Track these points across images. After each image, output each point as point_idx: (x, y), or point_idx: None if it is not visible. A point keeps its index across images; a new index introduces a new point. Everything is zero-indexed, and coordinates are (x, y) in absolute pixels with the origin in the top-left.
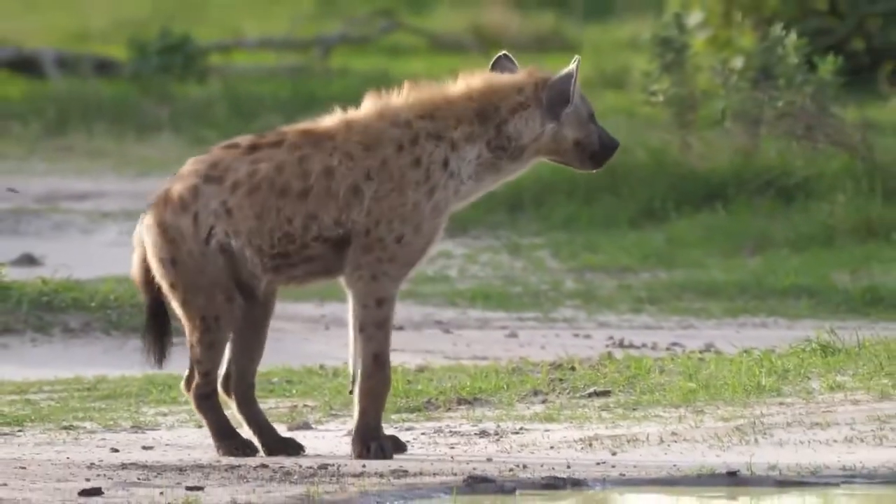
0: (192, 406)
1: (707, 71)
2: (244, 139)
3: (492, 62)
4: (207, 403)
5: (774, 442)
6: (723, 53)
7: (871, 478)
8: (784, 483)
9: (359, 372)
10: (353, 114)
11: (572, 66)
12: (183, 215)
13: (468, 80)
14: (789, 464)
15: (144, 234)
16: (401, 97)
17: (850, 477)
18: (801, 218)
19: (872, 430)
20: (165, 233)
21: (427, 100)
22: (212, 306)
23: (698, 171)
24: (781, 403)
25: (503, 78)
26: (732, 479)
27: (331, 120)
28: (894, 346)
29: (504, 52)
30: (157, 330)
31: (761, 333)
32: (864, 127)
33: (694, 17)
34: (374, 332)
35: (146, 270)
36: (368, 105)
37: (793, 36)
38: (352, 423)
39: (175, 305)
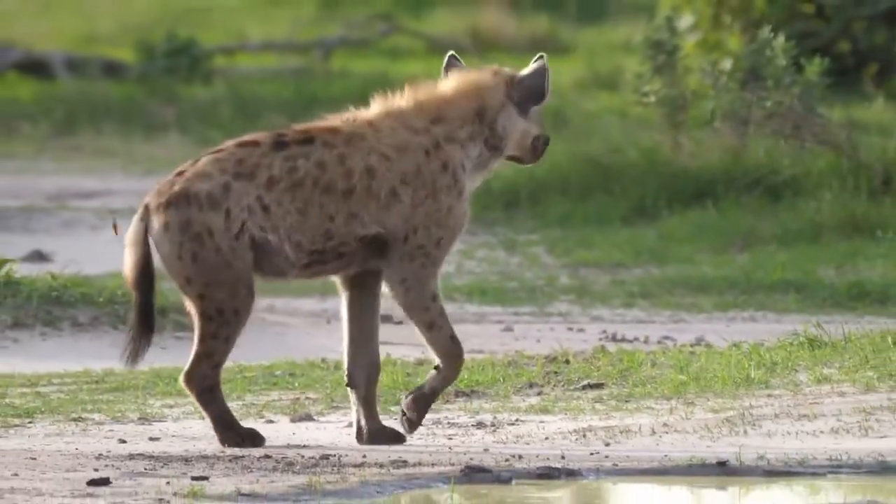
0: (194, 398)
1: (697, 72)
2: (261, 136)
3: (444, 63)
4: (211, 395)
5: (763, 433)
6: (712, 55)
7: (857, 467)
8: (772, 473)
9: (360, 366)
10: (372, 115)
11: (541, 62)
12: (212, 212)
13: (450, 82)
14: (777, 454)
15: (158, 231)
16: (406, 101)
17: (836, 467)
18: (789, 215)
19: (858, 422)
20: (189, 229)
21: (432, 103)
22: (234, 301)
23: (689, 170)
24: (770, 395)
25: (479, 77)
26: (722, 468)
27: (351, 119)
28: (879, 340)
29: (452, 52)
30: (144, 328)
31: (750, 327)
32: (850, 126)
33: (684, 21)
34: (441, 321)
35: (143, 268)
36: (381, 108)
37: (780, 38)
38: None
39: (189, 299)
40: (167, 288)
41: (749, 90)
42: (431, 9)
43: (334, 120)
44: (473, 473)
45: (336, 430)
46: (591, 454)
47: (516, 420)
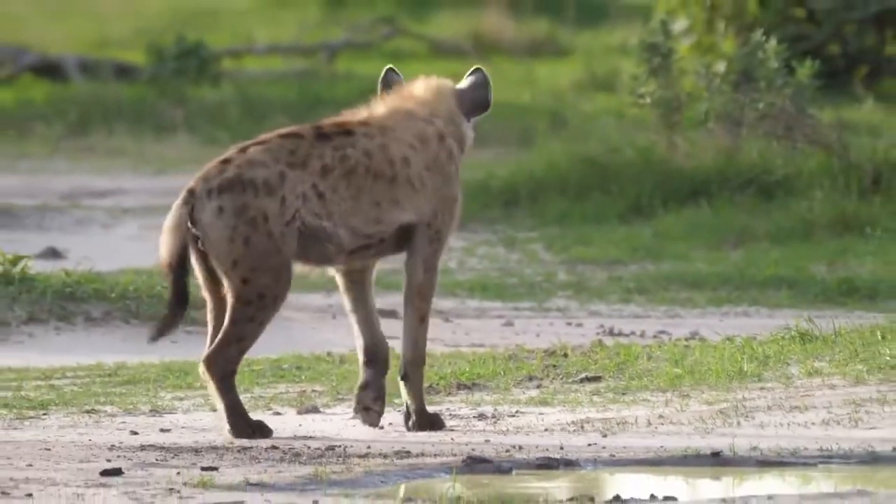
0: (213, 384)
1: (692, 75)
2: (302, 129)
3: (382, 76)
4: (229, 383)
5: (756, 424)
6: (706, 58)
7: (847, 458)
8: (765, 463)
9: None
10: (384, 110)
11: (480, 74)
12: (269, 198)
13: (422, 85)
14: (770, 445)
15: (209, 214)
16: (406, 99)
17: (827, 457)
18: (781, 213)
19: (848, 413)
20: (245, 213)
21: (427, 99)
22: (276, 286)
23: (684, 170)
24: (762, 388)
25: (444, 83)
26: (716, 459)
27: (375, 112)
28: (868, 334)
29: (390, 66)
30: (178, 306)
31: (743, 322)
32: (840, 127)
33: (679, 24)
34: (422, 303)
35: (182, 251)
36: (390, 104)
37: (772, 42)
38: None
39: (230, 282)
40: None
41: (742, 92)
42: (434, 12)
43: (354, 115)
44: (475, 464)
45: (341, 421)
46: (589, 445)
47: (516, 412)
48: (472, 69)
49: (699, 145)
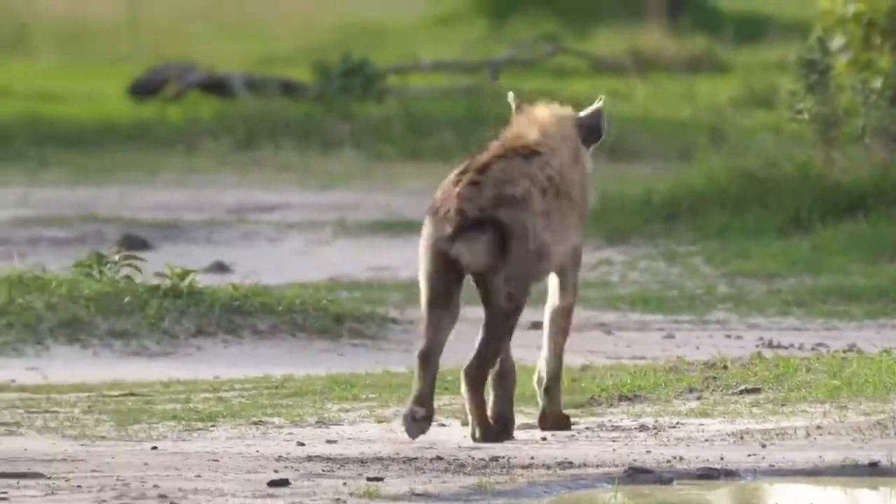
0: (468, 392)
1: (849, 90)
2: (502, 149)
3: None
4: (482, 392)
5: None
6: (863, 74)
7: None
8: None
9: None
10: (543, 130)
11: (599, 104)
12: (526, 213)
13: (546, 111)
14: None
15: (481, 233)
16: (546, 121)
17: None
18: None
19: None
20: (530, 229)
21: (556, 124)
22: (526, 297)
23: (841, 184)
24: None
25: (566, 111)
26: (874, 469)
27: (533, 134)
28: None
29: (512, 92)
30: None
31: None
32: None
33: (836, 41)
34: (568, 323)
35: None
36: (538, 126)
37: None
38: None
39: (496, 297)
40: (344, 296)
41: None
42: (595, 29)
43: (520, 137)
44: (636, 474)
45: None
46: (749, 456)
47: (677, 423)
48: (598, 98)
49: (856, 160)
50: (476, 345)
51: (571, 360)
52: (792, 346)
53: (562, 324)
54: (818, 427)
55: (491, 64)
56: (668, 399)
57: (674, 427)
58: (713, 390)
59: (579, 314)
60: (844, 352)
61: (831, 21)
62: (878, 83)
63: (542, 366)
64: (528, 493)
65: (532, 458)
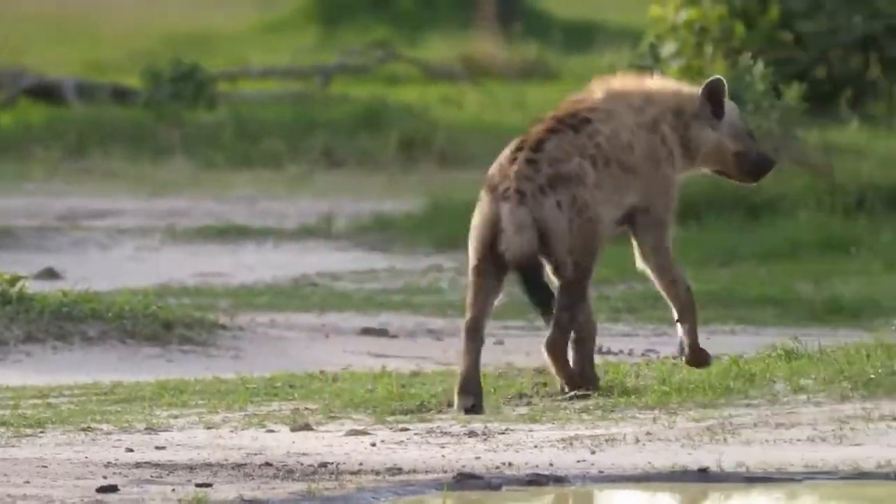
0: (553, 363)
1: None
2: (557, 122)
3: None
4: (565, 358)
5: (742, 441)
6: (695, 81)
7: (832, 474)
8: (751, 479)
9: None
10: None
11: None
12: (582, 187)
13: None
14: (756, 461)
15: (549, 209)
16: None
17: (812, 473)
18: (768, 233)
19: (833, 430)
20: (574, 204)
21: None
22: (593, 262)
23: None
24: (748, 405)
25: None
26: (703, 475)
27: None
28: (853, 352)
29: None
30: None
31: (730, 340)
32: (826, 149)
33: (668, 48)
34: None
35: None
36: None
37: (760, 65)
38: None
39: (564, 269)
40: (173, 303)
41: None
42: (426, 36)
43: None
44: (465, 480)
45: (334, 438)
46: (578, 461)
47: (506, 429)
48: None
49: None
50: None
51: (402, 366)
52: (622, 352)
53: (663, 269)
54: (648, 433)
55: (322, 71)
56: (497, 405)
57: (503, 433)
58: (543, 396)
59: (409, 320)
60: (674, 358)
61: (663, 28)
62: None
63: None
64: (357, 499)
65: (361, 464)
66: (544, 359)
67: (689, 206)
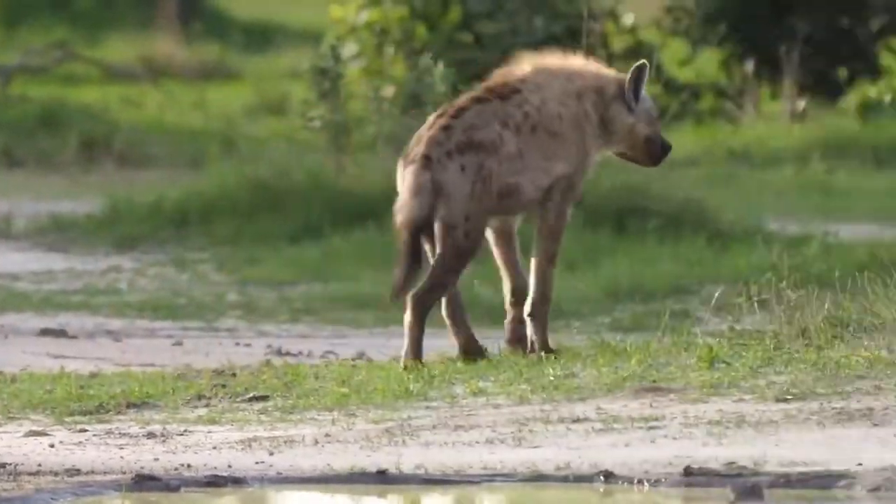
0: (412, 316)
1: (361, 99)
2: (485, 91)
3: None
4: (422, 320)
5: (421, 443)
6: (375, 82)
7: (511, 476)
8: (430, 481)
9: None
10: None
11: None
12: (492, 157)
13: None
14: (435, 463)
15: (452, 174)
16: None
17: (491, 475)
18: None
19: (512, 432)
20: (480, 172)
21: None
22: (481, 234)
23: (352, 192)
24: (428, 407)
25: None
26: (382, 477)
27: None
28: (533, 354)
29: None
30: (415, 264)
31: None
32: None
33: (349, 49)
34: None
35: (431, 212)
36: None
37: (440, 66)
38: None
39: (452, 235)
40: None
41: (410, 116)
42: (107, 37)
43: (514, 72)
44: (144, 481)
45: (12, 439)
46: (257, 463)
47: (185, 430)
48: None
49: (368, 168)
50: (427, 274)
51: (80, 367)
52: (301, 353)
53: (542, 245)
54: (327, 435)
55: (1, 71)
56: (176, 406)
57: (182, 434)
58: (222, 398)
59: (88, 320)
60: (353, 359)
61: (344, 29)
62: (390, 91)
63: (529, 292)
64: (36, 500)
65: (40, 465)
66: (406, 314)
67: (368, 206)
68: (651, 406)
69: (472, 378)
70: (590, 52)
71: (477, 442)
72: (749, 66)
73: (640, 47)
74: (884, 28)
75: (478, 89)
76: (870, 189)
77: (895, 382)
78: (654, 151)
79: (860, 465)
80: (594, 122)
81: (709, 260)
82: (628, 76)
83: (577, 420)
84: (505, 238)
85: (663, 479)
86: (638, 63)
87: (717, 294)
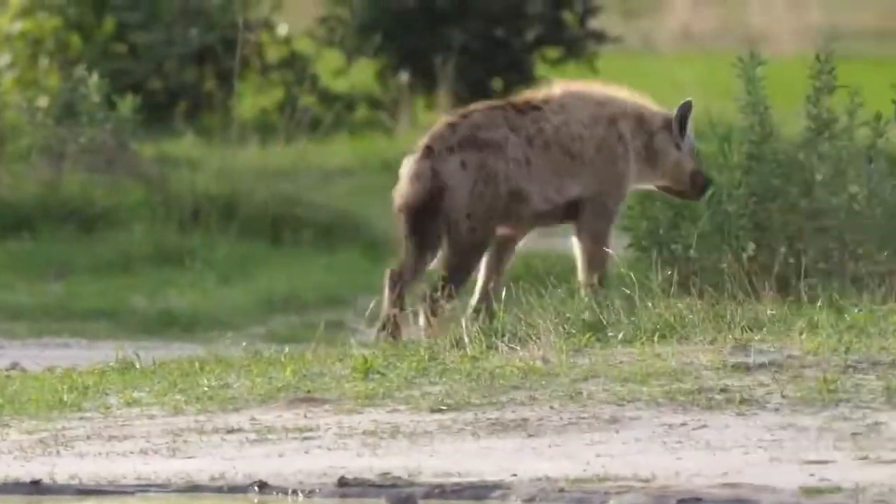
0: (425, 313)
1: (15, 109)
2: (522, 102)
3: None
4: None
5: (76, 453)
6: (29, 92)
7: (165, 487)
8: (84, 491)
9: None
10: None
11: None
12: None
13: None
14: (89, 473)
15: (453, 169)
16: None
17: (145, 486)
18: (102, 246)
19: (166, 443)
20: (483, 170)
21: None
22: (488, 233)
23: (6, 201)
24: (82, 418)
25: None
26: (36, 487)
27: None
28: (187, 365)
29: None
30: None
31: (64, 353)
32: (161, 161)
33: (2, 59)
34: None
35: (427, 198)
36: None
37: (94, 77)
38: None
39: (454, 232)
40: None
41: (64, 126)
42: None
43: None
44: None
45: None
46: None
47: None
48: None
49: (22, 178)
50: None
51: None
52: None
53: (583, 276)
54: None
55: None
56: None
57: None
58: None
59: None
60: (7, 370)
61: None
62: (44, 102)
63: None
64: None
65: None
66: (420, 319)
67: (22, 217)
68: (305, 416)
69: (126, 388)
70: (245, 62)
71: (131, 452)
72: (404, 76)
73: (295, 58)
74: (539, 38)
75: (499, 101)
76: None
77: (549, 392)
78: (700, 185)
79: (515, 475)
80: (634, 149)
81: (363, 270)
82: (675, 112)
83: (231, 431)
84: (499, 249)
85: (318, 490)
86: (685, 100)
87: (371, 305)
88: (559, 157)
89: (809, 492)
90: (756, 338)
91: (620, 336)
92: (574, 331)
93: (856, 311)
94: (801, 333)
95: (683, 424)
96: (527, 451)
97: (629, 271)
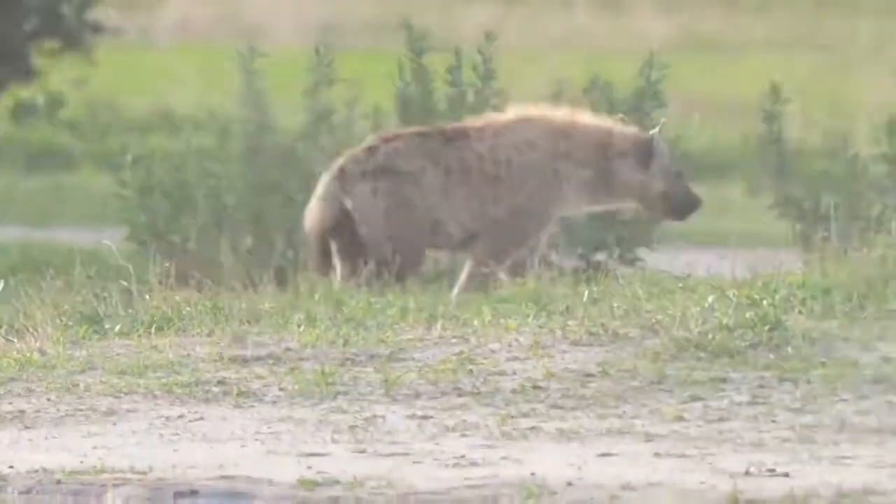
0: None
1: None
2: (450, 129)
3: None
4: None
5: None
6: None
7: None
8: None
9: None
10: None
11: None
12: (413, 186)
13: None
14: None
15: (362, 195)
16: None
17: None
18: None
19: None
20: (394, 197)
21: None
22: (413, 257)
23: None
24: None
25: None
26: None
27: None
28: None
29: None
30: (326, 268)
31: None
32: None
33: None
34: None
35: (335, 219)
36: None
37: None
38: None
39: (397, 254)
40: None
41: None
42: None
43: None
44: None
45: None
46: None
47: None
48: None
49: None
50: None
51: None
52: None
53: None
54: None
55: None
56: None
57: None
58: None
59: None
60: None
61: None
62: None
63: None
64: None
65: None
66: None
67: None
68: None
69: None
70: None
71: None
72: None
73: None
74: (37, 30)
75: (429, 127)
76: (22, 191)
77: (46, 384)
78: (675, 205)
79: (12, 467)
80: (579, 175)
81: None
82: (645, 135)
83: None
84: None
85: None
86: (656, 127)
87: None
88: (479, 184)
89: (307, 484)
90: (254, 330)
91: (118, 328)
92: (71, 323)
93: (353, 303)
94: (299, 326)
95: (181, 417)
96: (24, 442)
97: (127, 263)
